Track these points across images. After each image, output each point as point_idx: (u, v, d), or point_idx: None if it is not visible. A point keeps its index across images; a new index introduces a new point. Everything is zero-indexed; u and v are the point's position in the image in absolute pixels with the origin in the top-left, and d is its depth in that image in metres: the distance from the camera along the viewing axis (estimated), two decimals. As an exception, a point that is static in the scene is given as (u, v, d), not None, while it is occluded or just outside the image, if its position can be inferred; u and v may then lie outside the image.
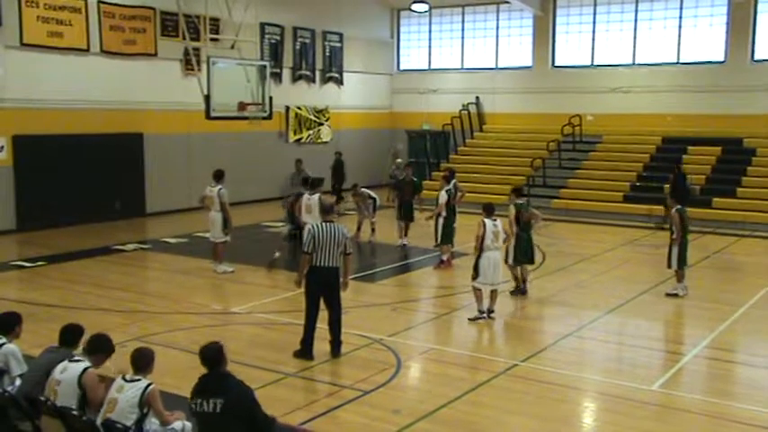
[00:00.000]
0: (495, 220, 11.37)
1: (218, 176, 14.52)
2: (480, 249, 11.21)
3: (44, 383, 6.37)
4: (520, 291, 12.92)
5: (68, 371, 6.24)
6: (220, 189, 14.35)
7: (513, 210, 12.81)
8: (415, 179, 18.13)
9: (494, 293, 11.49)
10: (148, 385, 6.03)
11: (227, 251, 14.72)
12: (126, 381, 6.07)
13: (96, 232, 18.73)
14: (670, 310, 12.56)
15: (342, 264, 9.63)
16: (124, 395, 5.97)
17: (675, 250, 12.90)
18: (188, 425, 6.30)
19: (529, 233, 12.82)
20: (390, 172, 25.69)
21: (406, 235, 17.33)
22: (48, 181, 19.03)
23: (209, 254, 15.00)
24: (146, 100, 21.13)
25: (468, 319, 11.38)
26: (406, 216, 17.34)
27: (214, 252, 14.73)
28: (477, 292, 11.34)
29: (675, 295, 12.87)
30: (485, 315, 11.33)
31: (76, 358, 6.37)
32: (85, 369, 6.24)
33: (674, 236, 12.91)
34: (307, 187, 15.15)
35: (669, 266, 13.05)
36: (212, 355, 5.85)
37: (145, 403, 5.97)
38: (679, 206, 13.03)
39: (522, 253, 12.75)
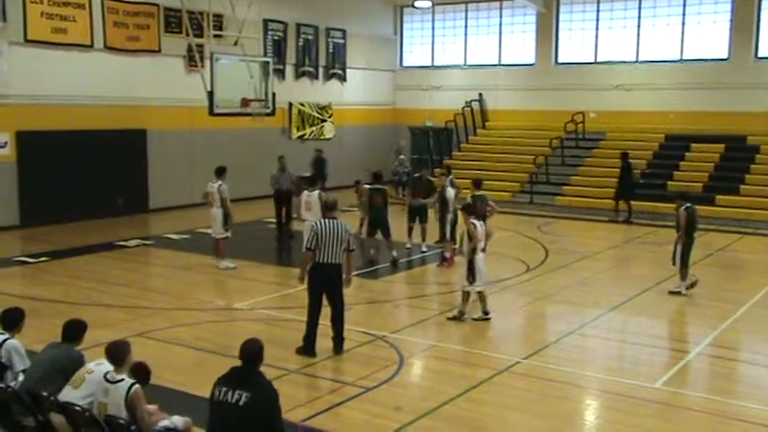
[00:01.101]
0: (480, 219, 11.37)
1: (220, 172, 14.58)
2: (473, 252, 11.06)
3: (47, 379, 6.38)
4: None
5: (104, 365, 6.15)
6: (221, 185, 14.40)
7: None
8: (431, 178, 17.36)
9: (468, 295, 11.31)
10: (132, 386, 5.92)
11: (228, 247, 14.74)
12: (109, 382, 5.96)
13: (99, 228, 18.75)
14: (672, 308, 12.55)
15: (345, 261, 9.64)
16: (110, 399, 5.90)
17: (680, 248, 12.89)
18: (189, 420, 6.30)
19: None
20: (393, 168, 25.72)
21: (424, 240, 16.60)
22: (51, 177, 19.05)
23: (211, 250, 15.02)
24: (149, 96, 21.13)
25: (472, 318, 11.30)
26: (421, 218, 16.52)
27: (215, 248, 14.77)
28: (480, 294, 11.22)
29: (678, 293, 12.86)
30: (489, 316, 11.26)
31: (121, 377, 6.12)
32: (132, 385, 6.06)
33: (680, 234, 12.87)
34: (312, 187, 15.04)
35: (673, 264, 13.04)
36: (252, 351, 5.78)
37: (130, 405, 5.90)
38: (688, 204, 12.99)
39: None
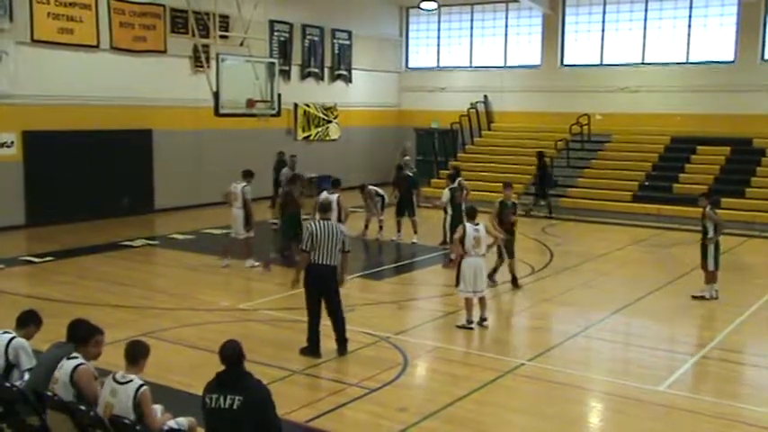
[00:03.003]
0: (477, 224, 11.04)
1: (246, 175, 14.92)
2: (461, 255, 10.97)
3: (50, 379, 6.38)
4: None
5: (64, 367, 6.18)
6: (245, 186, 14.69)
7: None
8: (410, 174, 18.15)
9: (482, 300, 11.11)
10: (140, 387, 5.90)
11: (253, 246, 14.91)
12: (118, 383, 5.93)
13: (104, 228, 18.78)
14: (677, 311, 12.50)
15: (340, 262, 9.62)
16: (118, 399, 5.88)
17: (712, 250, 12.64)
18: (193, 420, 6.30)
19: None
20: (401, 163, 25.68)
21: (415, 233, 17.38)
22: (57, 176, 19.10)
23: (216, 250, 15.08)
24: (155, 96, 21.16)
25: (456, 326, 11.14)
26: (408, 212, 17.48)
27: (232, 247, 14.89)
28: (465, 300, 11.04)
29: (703, 297, 12.68)
30: (473, 325, 11.02)
31: (73, 355, 6.27)
32: (76, 366, 6.13)
33: (710, 235, 12.61)
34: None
35: (705, 267, 12.75)
36: (232, 353, 5.78)
37: (137, 406, 5.88)
38: (710, 205, 12.88)
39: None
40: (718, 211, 13.26)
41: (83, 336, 6.53)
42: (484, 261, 11.26)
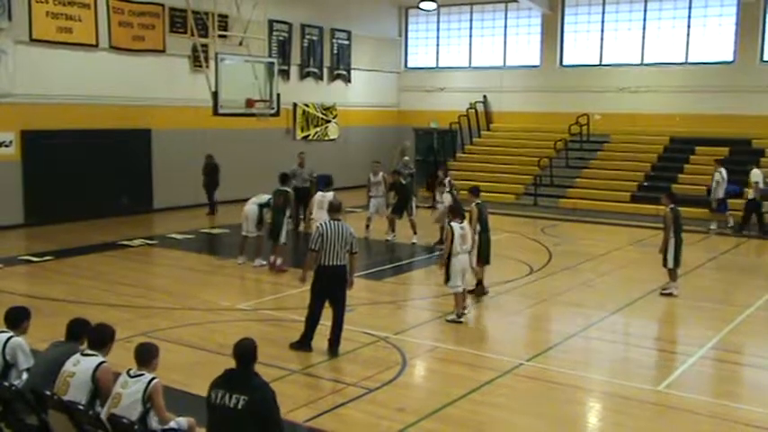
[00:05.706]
0: (461, 222, 11.36)
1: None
2: (449, 253, 11.18)
3: (50, 378, 6.37)
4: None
5: (82, 364, 6.21)
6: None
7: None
8: (404, 182, 17.98)
9: (464, 293, 11.43)
10: (152, 380, 5.99)
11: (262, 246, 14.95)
12: (130, 376, 6.02)
13: (103, 227, 18.77)
14: (676, 311, 12.53)
15: (348, 262, 9.64)
16: (128, 391, 5.93)
17: (672, 249, 12.87)
18: (193, 420, 6.30)
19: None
20: (397, 169, 25.65)
21: (415, 233, 17.38)
22: (55, 176, 19.08)
23: (214, 250, 15.09)
24: (154, 96, 21.16)
25: (446, 320, 11.33)
26: (407, 212, 17.50)
27: (245, 246, 14.96)
28: (456, 295, 11.29)
29: (670, 294, 12.85)
30: (462, 319, 11.25)
31: (88, 352, 6.35)
32: (100, 364, 6.20)
33: (669, 235, 12.87)
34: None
35: (665, 265, 13.01)
36: (245, 351, 5.79)
37: (148, 398, 5.93)
38: (672, 205, 12.99)
39: None
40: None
41: (109, 339, 6.52)
42: (468, 257, 11.46)
